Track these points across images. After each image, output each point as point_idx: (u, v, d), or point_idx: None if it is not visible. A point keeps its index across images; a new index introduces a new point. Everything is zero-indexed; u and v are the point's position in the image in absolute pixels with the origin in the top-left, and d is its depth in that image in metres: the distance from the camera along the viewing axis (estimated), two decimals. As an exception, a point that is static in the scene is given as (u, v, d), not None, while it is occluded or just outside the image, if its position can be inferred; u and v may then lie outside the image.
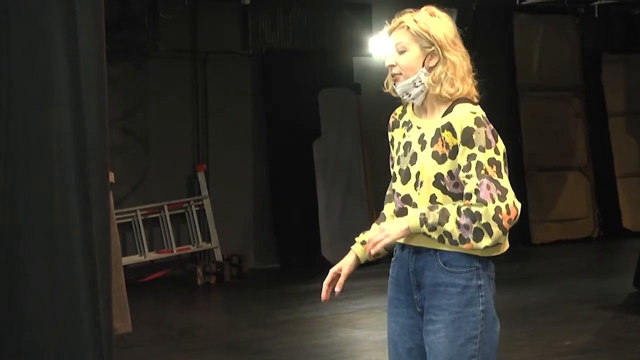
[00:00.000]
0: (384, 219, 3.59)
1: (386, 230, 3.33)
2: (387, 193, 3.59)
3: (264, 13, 11.35)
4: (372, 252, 3.37)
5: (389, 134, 3.53)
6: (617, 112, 13.39)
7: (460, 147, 3.26)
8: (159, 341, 7.86)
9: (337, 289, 3.55)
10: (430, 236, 3.28)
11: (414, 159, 3.36)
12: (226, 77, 11.32)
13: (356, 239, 3.64)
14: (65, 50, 4.29)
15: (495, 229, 3.22)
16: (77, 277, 4.33)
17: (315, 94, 11.31)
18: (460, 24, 13.30)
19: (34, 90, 4.33)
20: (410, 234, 3.32)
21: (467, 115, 3.27)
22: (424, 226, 3.26)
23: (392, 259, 3.52)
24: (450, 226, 3.23)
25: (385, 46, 3.50)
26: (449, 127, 3.29)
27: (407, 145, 3.41)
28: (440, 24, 3.37)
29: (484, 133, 3.26)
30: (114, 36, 9.95)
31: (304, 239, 11.23)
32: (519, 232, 12.56)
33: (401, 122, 3.49)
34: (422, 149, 3.34)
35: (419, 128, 3.39)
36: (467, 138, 3.25)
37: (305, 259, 11.21)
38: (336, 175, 11.35)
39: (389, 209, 3.57)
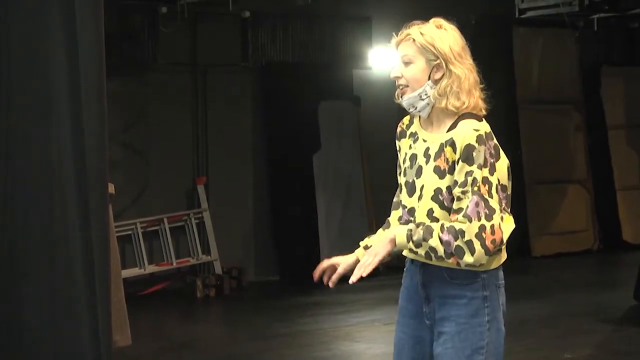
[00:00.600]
0: (389, 225, 3.60)
1: (373, 251, 3.38)
2: (395, 200, 3.60)
3: (264, 26, 11.37)
4: (364, 274, 3.40)
5: (397, 142, 3.54)
6: (617, 125, 13.40)
7: (460, 164, 3.28)
8: (158, 354, 7.85)
9: (330, 285, 3.62)
10: (417, 252, 3.33)
11: (419, 172, 3.39)
12: (226, 90, 11.33)
13: (361, 242, 3.67)
14: (65, 63, 4.31)
15: (477, 247, 3.24)
16: (76, 290, 4.33)
17: (315, 106, 11.32)
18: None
19: (33, 104, 4.35)
20: (396, 247, 3.35)
21: (470, 132, 3.29)
22: (410, 242, 3.30)
23: (405, 268, 3.56)
24: (434, 242, 3.26)
25: (392, 58, 3.52)
26: (451, 143, 3.31)
27: (413, 157, 3.43)
28: (446, 37, 3.39)
29: (483, 151, 3.27)
30: (114, 50, 9.96)
31: (303, 251, 11.21)
32: (519, 244, 12.56)
33: (408, 133, 3.50)
34: (427, 162, 3.37)
35: (424, 141, 3.41)
36: (467, 155, 3.27)
37: (304, 271, 11.11)
38: (336, 187, 11.35)
39: (395, 216, 3.58)
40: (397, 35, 3.45)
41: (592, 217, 13.16)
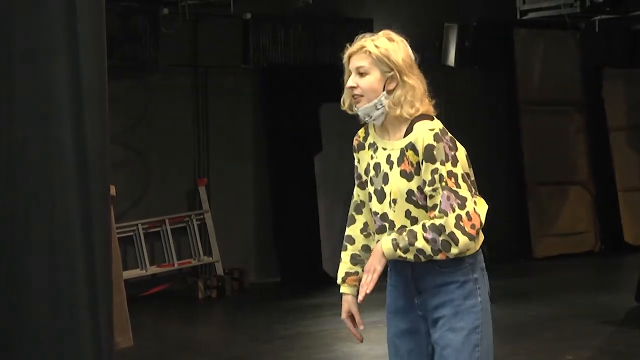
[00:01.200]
0: (352, 241, 3.77)
1: (371, 267, 3.55)
2: (350, 214, 3.79)
3: (265, 27, 11.37)
4: (368, 292, 3.58)
5: (355, 155, 3.73)
6: (618, 127, 13.40)
7: (424, 164, 3.49)
8: (160, 355, 7.85)
9: (361, 327, 3.86)
10: (406, 258, 3.50)
11: (385, 179, 3.58)
12: (227, 92, 11.34)
13: (338, 281, 3.87)
14: (67, 64, 4.31)
15: (460, 236, 3.44)
16: (78, 291, 4.33)
17: (316, 108, 11.31)
18: (460, 39, 13.38)
19: (35, 105, 4.35)
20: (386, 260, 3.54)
21: (426, 133, 3.49)
22: (398, 250, 3.49)
23: (388, 268, 3.69)
24: (420, 243, 3.46)
25: (344, 68, 3.73)
26: (411, 146, 3.52)
27: (377, 166, 3.62)
28: (399, 50, 3.57)
29: (442, 148, 3.48)
30: (116, 51, 9.98)
31: (305, 253, 11.22)
32: (520, 246, 12.56)
33: (366, 145, 3.69)
34: (391, 168, 3.56)
35: (384, 149, 3.60)
36: (429, 154, 3.48)
37: (306, 273, 11.20)
38: (337, 189, 11.34)
39: (354, 230, 3.78)
40: (349, 46, 3.68)
41: (594, 219, 13.15)
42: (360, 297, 3.58)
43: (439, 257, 3.46)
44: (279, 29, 11.45)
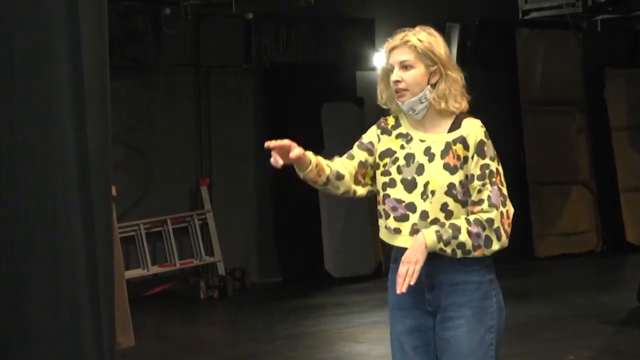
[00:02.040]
0: (334, 162, 3.71)
1: (413, 258, 3.48)
2: (349, 153, 3.75)
3: (267, 27, 11.37)
4: (412, 283, 3.46)
5: (375, 133, 3.71)
6: (620, 127, 13.39)
7: (475, 158, 3.54)
8: (161, 355, 7.85)
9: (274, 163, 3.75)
10: (445, 252, 3.50)
11: (420, 170, 3.59)
12: (229, 92, 11.34)
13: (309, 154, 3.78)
14: (69, 65, 4.31)
15: (502, 233, 3.53)
16: (79, 291, 4.33)
17: (318, 108, 11.32)
18: (462, 39, 13.33)
19: (36, 105, 4.35)
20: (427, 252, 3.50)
21: (479, 129, 3.58)
22: (441, 242, 3.49)
23: (393, 264, 3.66)
24: (463, 237, 3.49)
25: (382, 60, 3.66)
26: (461, 140, 3.56)
27: (410, 156, 3.62)
28: (439, 44, 3.61)
29: (491, 145, 3.58)
30: (118, 51, 9.98)
31: (306, 253, 11.22)
32: (521, 246, 12.55)
33: (394, 133, 3.68)
34: (430, 160, 3.58)
35: (422, 141, 3.62)
36: (481, 150, 3.55)
37: (308, 273, 11.20)
38: (339, 189, 11.35)
39: (341, 163, 3.73)
40: (390, 40, 3.64)
41: (596, 219, 13.15)
42: (402, 289, 3.46)
43: (476, 253, 3.51)
44: (281, 29, 11.45)
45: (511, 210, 3.58)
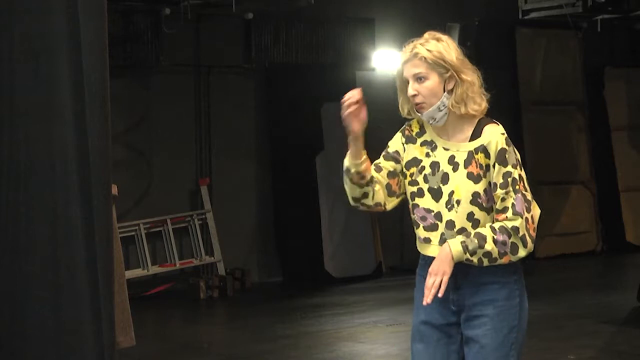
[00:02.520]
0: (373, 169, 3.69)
1: (440, 270, 3.50)
2: (374, 163, 3.76)
3: (267, 27, 11.37)
4: (440, 295, 3.49)
5: (400, 141, 3.71)
6: (620, 126, 13.40)
7: (496, 167, 3.54)
8: (161, 355, 7.85)
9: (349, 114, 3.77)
10: (472, 261, 3.52)
11: (445, 179, 3.61)
12: (229, 92, 11.34)
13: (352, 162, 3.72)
14: (69, 64, 4.31)
15: (528, 239, 3.57)
16: (79, 291, 4.33)
17: (318, 108, 11.31)
18: (462, 39, 13.34)
19: (36, 105, 4.35)
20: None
21: (499, 137, 3.57)
22: (467, 253, 3.51)
23: (422, 261, 3.70)
24: (489, 246, 3.51)
25: (395, 61, 3.66)
26: (482, 149, 3.56)
27: (434, 165, 3.63)
28: (449, 48, 3.61)
29: (512, 152, 3.57)
30: (118, 51, 9.99)
31: (307, 253, 11.22)
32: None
33: (419, 140, 3.68)
34: (455, 170, 3.59)
35: (446, 149, 3.62)
36: (502, 158, 3.54)
37: (308, 273, 11.20)
38: (339, 188, 11.32)
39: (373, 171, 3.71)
40: (402, 54, 3.64)
41: (596, 218, 13.15)
42: (428, 300, 3.49)
43: (503, 260, 3.53)
44: (281, 29, 11.45)
45: (537, 214, 3.61)
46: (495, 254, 3.51)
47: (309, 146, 11.20)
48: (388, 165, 3.70)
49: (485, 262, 3.52)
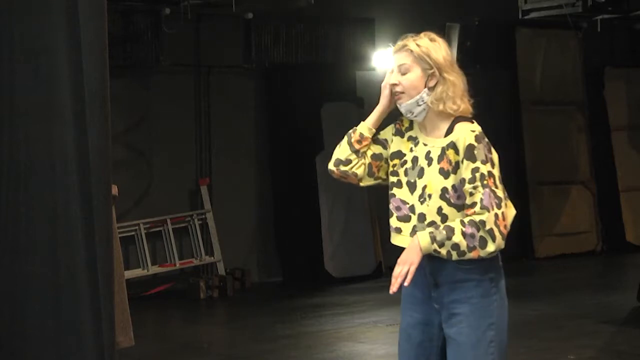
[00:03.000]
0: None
1: (408, 260, 3.59)
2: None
3: (267, 27, 11.37)
4: (406, 285, 3.59)
5: (390, 132, 3.86)
6: (620, 126, 13.40)
7: (465, 162, 3.62)
8: (161, 355, 7.85)
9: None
10: (439, 253, 3.59)
11: (421, 173, 3.73)
12: (229, 91, 11.34)
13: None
14: (69, 64, 4.31)
15: (497, 234, 3.58)
16: (79, 291, 4.33)
17: (318, 108, 11.32)
18: (462, 39, 13.31)
19: (36, 105, 4.35)
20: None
21: (468, 133, 3.64)
22: (434, 244, 3.57)
23: None
24: (457, 238, 3.56)
25: (388, 65, 3.81)
26: (452, 145, 3.66)
27: (415, 159, 3.76)
28: (439, 48, 3.73)
29: (482, 149, 3.63)
30: (117, 51, 9.98)
31: (307, 253, 11.22)
32: (521, 246, 12.55)
33: (407, 135, 3.83)
34: (429, 165, 3.71)
35: (425, 145, 3.75)
36: (470, 154, 3.62)
37: (308, 273, 11.20)
38: (339, 189, 11.35)
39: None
40: (392, 46, 3.80)
41: (596, 218, 13.15)
42: (394, 289, 3.59)
43: (472, 254, 3.57)
44: (281, 29, 11.45)
45: (510, 214, 3.65)
46: (463, 247, 3.56)
47: (309, 146, 11.20)
48: (375, 149, 3.83)
49: (454, 255, 3.57)
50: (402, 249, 3.68)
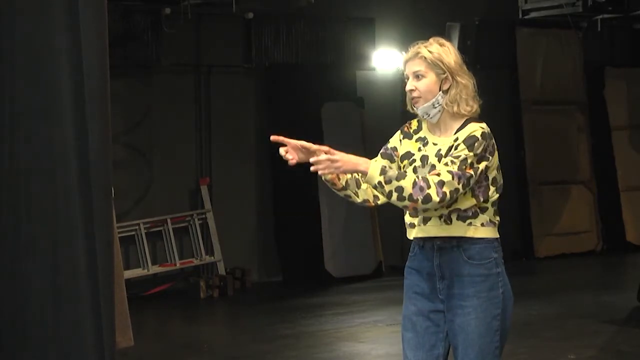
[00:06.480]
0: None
1: (340, 163, 3.76)
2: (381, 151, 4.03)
3: (267, 27, 11.37)
4: (319, 173, 3.83)
5: (398, 138, 4.00)
6: (620, 126, 13.40)
7: (461, 145, 3.78)
8: (161, 355, 7.85)
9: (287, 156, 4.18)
10: (382, 187, 3.68)
11: (432, 169, 3.85)
12: (229, 91, 11.34)
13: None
14: (69, 64, 4.31)
15: (446, 194, 3.68)
16: (79, 291, 4.33)
17: (319, 107, 11.32)
18: (462, 38, 13.33)
19: (36, 105, 4.35)
20: (362, 175, 3.74)
21: (476, 128, 3.83)
22: (382, 176, 3.69)
23: (411, 254, 3.99)
24: (406, 183, 3.68)
25: (396, 62, 3.88)
26: (456, 139, 3.82)
27: (424, 158, 3.91)
28: (449, 53, 3.91)
29: (483, 145, 3.79)
30: (118, 51, 9.98)
31: (307, 252, 11.22)
32: (522, 245, 12.56)
33: (415, 137, 3.98)
34: (439, 161, 3.86)
35: (435, 144, 3.90)
36: (470, 142, 3.78)
37: (308, 272, 11.20)
38: (339, 189, 11.34)
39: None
40: (405, 54, 3.96)
41: (596, 218, 13.15)
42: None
43: (408, 203, 3.67)
44: (282, 29, 11.46)
45: (469, 203, 3.77)
46: (406, 193, 3.66)
47: (309, 146, 11.18)
48: (383, 163, 3.93)
49: (394, 197, 3.67)
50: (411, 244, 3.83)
